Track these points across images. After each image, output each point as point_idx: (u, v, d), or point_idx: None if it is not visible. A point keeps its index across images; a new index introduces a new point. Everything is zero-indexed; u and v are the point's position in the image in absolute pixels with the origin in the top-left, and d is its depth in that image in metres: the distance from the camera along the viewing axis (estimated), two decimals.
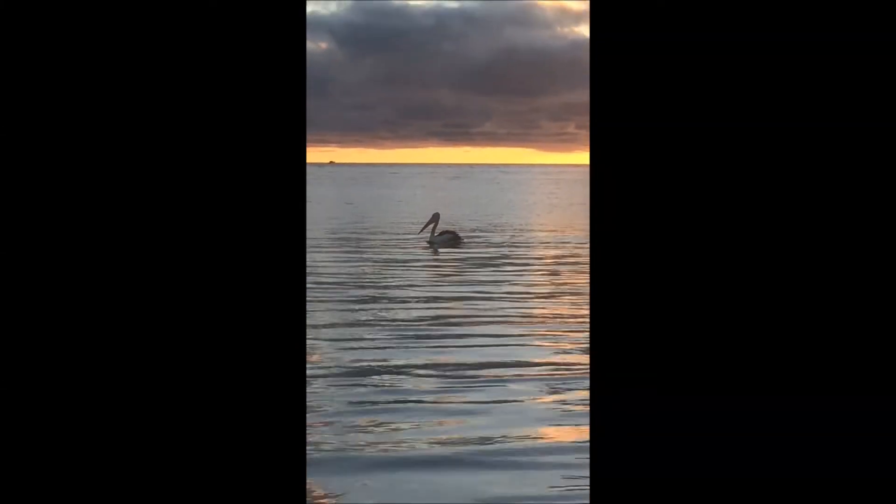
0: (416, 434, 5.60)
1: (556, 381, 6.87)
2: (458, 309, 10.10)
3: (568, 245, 17.92)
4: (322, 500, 4.62)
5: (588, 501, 2.83)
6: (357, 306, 10.17)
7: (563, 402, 6.30)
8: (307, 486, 4.61)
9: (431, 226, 18.37)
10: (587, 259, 7.47)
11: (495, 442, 5.46)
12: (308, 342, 7.96)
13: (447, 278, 12.79)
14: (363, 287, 11.73)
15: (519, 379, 6.93)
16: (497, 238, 19.54)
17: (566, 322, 9.28)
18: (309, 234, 19.14)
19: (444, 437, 5.56)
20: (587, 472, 2.87)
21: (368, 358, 7.54)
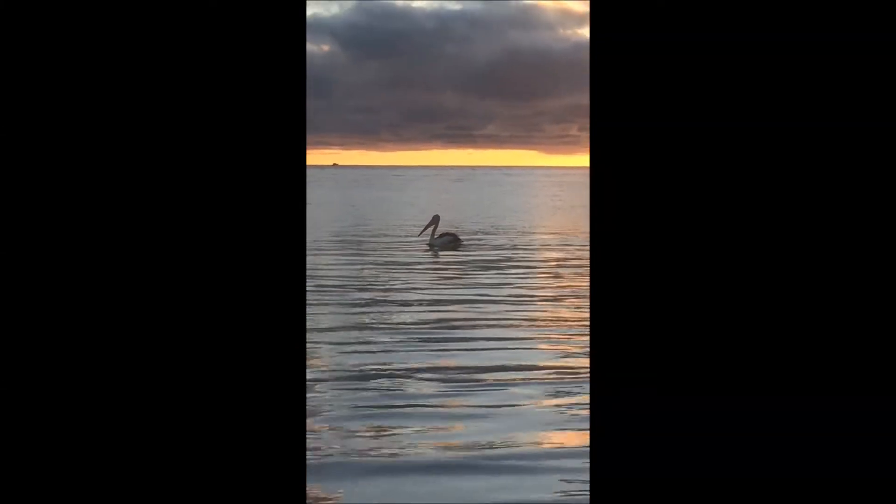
0: (418, 439, 5.58)
1: (559, 384, 6.85)
2: (460, 312, 10.10)
3: (571, 247, 17.91)
4: None
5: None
6: (360, 309, 10.17)
7: (567, 406, 6.28)
8: (309, 491, 4.61)
9: (431, 228, 18.38)
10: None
11: (499, 446, 5.44)
12: (311, 346, 7.95)
13: (450, 281, 12.78)
14: (366, 290, 11.72)
15: (522, 383, 6.91)
16: (500, 241, 19.54)
17: (569, 325, 9.27)
18: (312, 236, 19.15)
19: (447, 441, 5.55)
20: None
21: (371, 362, 7.53)
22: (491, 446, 5.44)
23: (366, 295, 11.28)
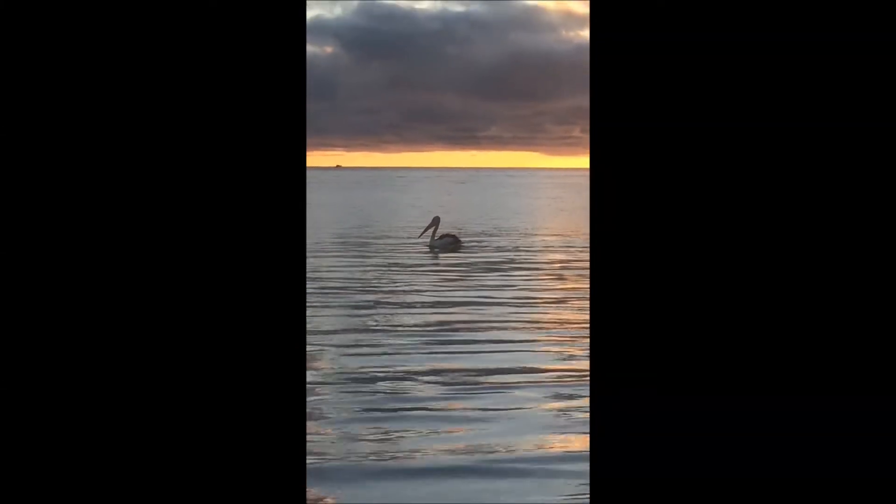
0: (421, 442, 5.57)
1: (562, 387, 6.84)
2: (463, 314, 10.09)
3: (573, 249, 17.91)
4: None
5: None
6: (362, 312, 10.16)
7: (570, 409, 6.25)
8: (311, 495, 4.60)
9: (432, 230, 18.40)
10: None
11: (501, 449, 5.42)
12: (313, 348, 7.95)
13: (452, 283, 12.78)
14: (369, 292, 11.71)
15: (525, 385, 6.89)
16: (503, 242, 19.53)
17: (572, 327, 9.26)
18: (315, 238, 19.16)
19: (449, 444, 5.53)
20: None
21: (374, 364, 7.52)
22: (493, 449, 5.42)
23: (369, 297, 11.27)
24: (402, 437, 5.68)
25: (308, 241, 17.85)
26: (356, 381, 6.96)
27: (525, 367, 7.45)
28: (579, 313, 10.12)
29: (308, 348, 7.82)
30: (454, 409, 6.28)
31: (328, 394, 6.59)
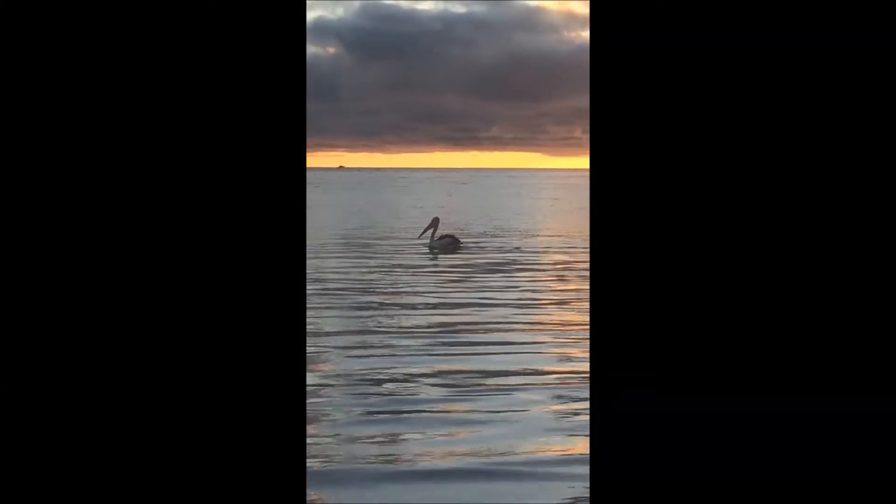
0: (423, 445, 5.56)
1: (565, 389, 6.83)
2: (465, 315, 10.08)
3: (575, 250, 17.90)
4: None
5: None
6: (365, 313, 10.16)
7: (573, 412, 6.24)
8: (313, 498, 4.60)
9: (431, 230, 18.41)
10: None
11: (504, 452, 5.41)
12: (316, 350, 7.94)
13: (455, 284, 12.77)
14: (371, 293, 11.71)
15: (528, 387, 6.88)
16: (505, 243, 19.52)
17: (575, 329, 9.25)
18: (318, 239, 19.16)
19: (451, 447, 5.51)
20: None
21: (376, 366, 7.51)
22: (496, 452, 5.41)
23: (371, 298, 11.27)
24: (404, 439, 5.67)
25: (311, 241, 17.86)
26: (358, 383, 6.96)
27: (528, 369, 7.44)
28: (582, 315, 10.11)
29: (310, 350, 7.81)
30: (456, 412, 6.27)
31: (330, 396, 6.58)
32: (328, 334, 8.82)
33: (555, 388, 6.87)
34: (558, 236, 21.67)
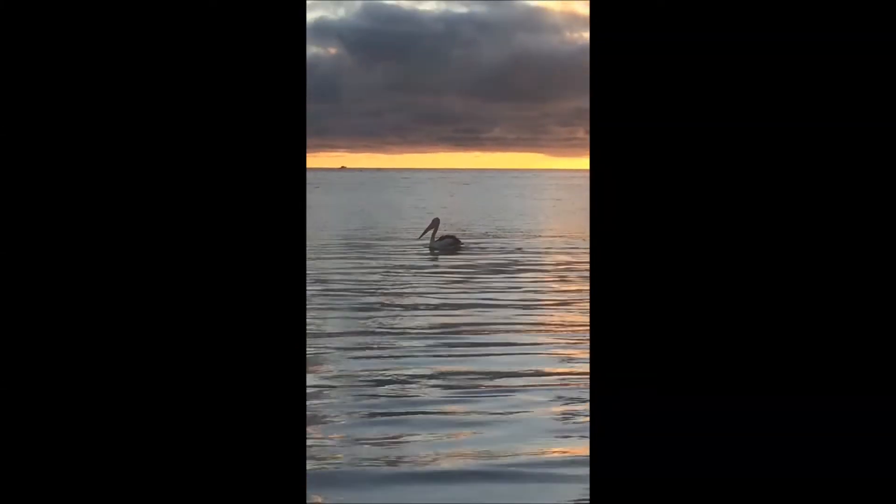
0: (425, 446, 5.54)
1: (567, 390, 6.82)
2: (467, 316, 10.08)
3: (577, 251, 17.89)
4: None
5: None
6: (367, 314, 10.15)
7: (575, 413, 6.22)
8: (314, 500, 4.60)
9: (431, 231, 18.42)
10: None
11: (506, 453, 5.40)
12: (318, 351, 7.94)
13: (457, 285, 12.76)
14: (373, 294, 11.70)
15: (529, 389, 6.87)
16: (507, 244, 19.52)
17: (577, 330, 9.24)
18: (320, 239, 19.16)
19: (453, 449, 5.50)
20: None
21: (378, 367, 7.50)
22: (498, 453, 5.39)
23: (373, 299, 11.26)
24: (406, 441, 5.66)
25: (313, 242, 17.86)
26: (360, 384, 6.95)
27: (530, 371, 7.43)
28: (584, 316, 10.09)
29: (312, 351, 7.82)
30: (458, 413, 6.26)
31: (332, 397, 6.57)
32: (330, 335, 8.81)
33: (557, 389, 6.86)
34: (560, 237, 21.66)
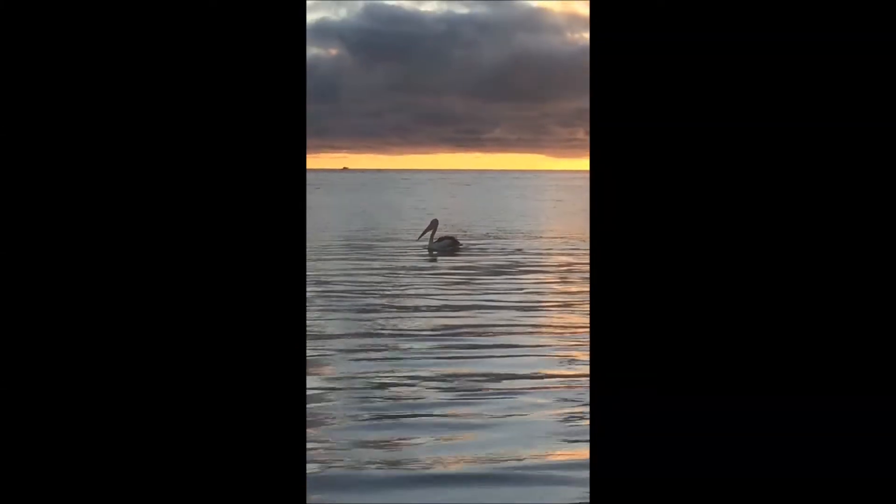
0: (427, 449, 5.53)
1: (568, 392, 6.80)
2: (469, 318, 10.06)
3: (578, 252, 17.88)
4: None
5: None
6: (368, 316, 10.14)
7: (576, 415, 6.20)
8: (315, 502, 4.59)
9: (430, 232, 18.42)
10: None
11: (507, 456, 5.38)
12: (318, 353, 7.93)
13: (459, 287, 12.75)
14: (374, 296, 11.69)
15: (531, 391, 6.86)
16: (508, 245, 19.51)
17: (578, 332, 9.22)
18: (321, 240, 19.16)
19: (455, 452, 5.48)
20: None
21: (379, 370, 7.48)
22: (500, 456, 5.38)
23: (374, 301, 11.25)
24: (408, 443, 5.65)
25: (314, 243, 17.85)
26: (361, 386, 6.94)
27: (531, 373, 7.41)
28: (586, 317, 10.08)
29: (313, 353, 7.81)
30: (460, 416, 6.24)
31: (333, 400, 6.56)
32: (331, 337, 8.80)
33: (559, 391, 6.85)
34: (561, 238, 21.65)
